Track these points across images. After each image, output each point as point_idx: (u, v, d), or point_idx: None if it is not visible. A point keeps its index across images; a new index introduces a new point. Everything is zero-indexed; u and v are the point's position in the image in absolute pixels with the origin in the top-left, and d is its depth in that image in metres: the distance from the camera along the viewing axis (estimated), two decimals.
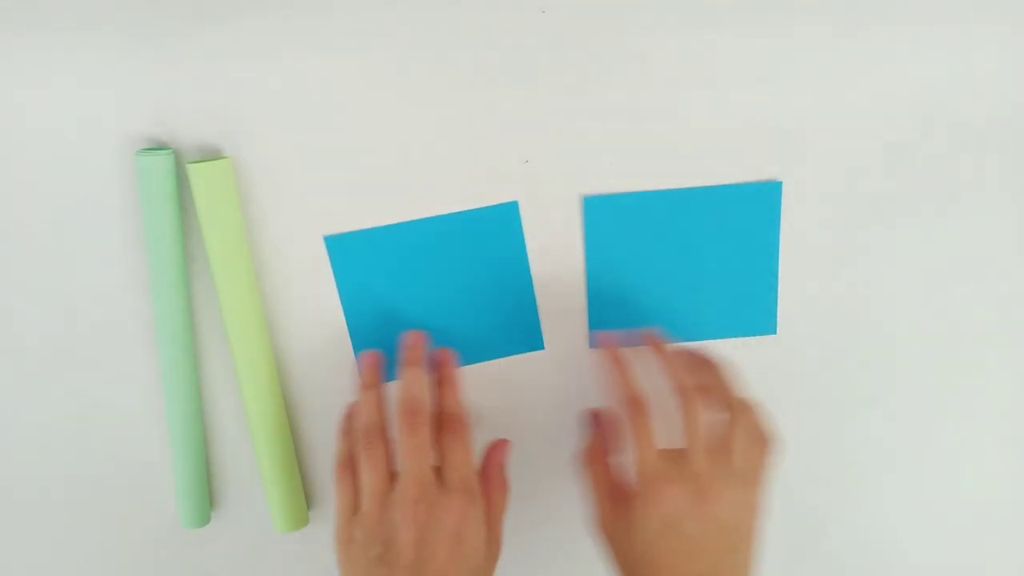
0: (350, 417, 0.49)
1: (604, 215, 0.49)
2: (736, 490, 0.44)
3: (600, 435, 0.49)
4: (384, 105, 0.48)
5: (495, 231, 0.50)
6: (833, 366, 0.53)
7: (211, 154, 0.48)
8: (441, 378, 0.49)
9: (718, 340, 0.52)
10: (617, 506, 0.46)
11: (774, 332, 0.52)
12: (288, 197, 0.49)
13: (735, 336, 0.52)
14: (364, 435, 0.46)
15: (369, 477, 0.45)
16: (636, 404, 0.46)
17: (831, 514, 0.56)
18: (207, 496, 0.53)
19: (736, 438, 0.45)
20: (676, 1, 0.47)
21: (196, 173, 0.46)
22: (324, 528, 0.52)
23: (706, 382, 0.47)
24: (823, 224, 0.51)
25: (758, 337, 0.52)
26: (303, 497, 0.52)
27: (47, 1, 0.46)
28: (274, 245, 0.50)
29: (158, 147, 0.48)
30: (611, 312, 0.51)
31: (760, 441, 0.46)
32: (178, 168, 0.47)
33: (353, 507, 0.46)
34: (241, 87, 0.47)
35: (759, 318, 0.51)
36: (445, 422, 0.47)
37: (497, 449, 0.50)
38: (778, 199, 0.49)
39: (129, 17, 0.46)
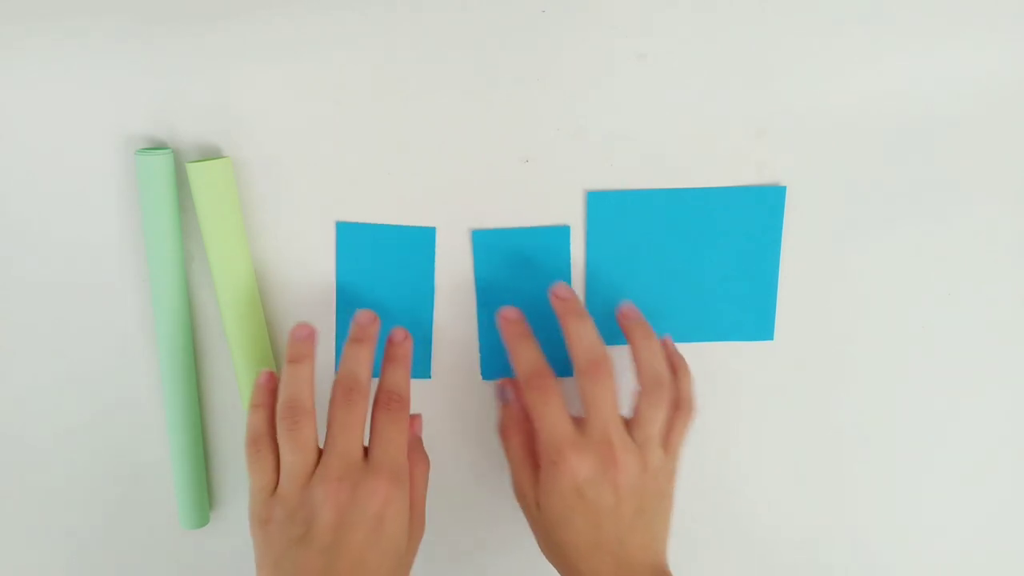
0: (265, 390, 0.46)
1: (607, 211, 0.49)
2: (643, 455, 0.44)
3: (516, 406, 0.49)
4: (384, 105, 0.48)
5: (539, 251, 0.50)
6: (829, 374, 0.53)
7: (211, 154, 0.48)
8: (390, 356, 0.48)
9: (714, 343, 0.52)
10: (532, 474, 0.46)
11: (771, 338, 0.52)
12: (288, 197, 0.49)
13: (731, 340, 0.52)
14: (288, 412, 0.44)
15: (292, 458, 0.43)
16: (534, 376, 0.45)
17: (825, 521, 0.55)
18: (207, 496, 0.53)
19: (641, 403, 0.45)
20: (676, 1, 0.47)
21: (196, 172, 0.46)
22: None
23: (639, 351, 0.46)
24: (824, 230, 0.50)
25: (754, 342, 0.52)
26: None
27: (47, 1, 0.46)
28: (274, 245, 0.50)
29: (158, 147, 0.48)
30: (608, 307, 0.50)
31: (673, 406, 0.47)
32: (178, 168, 0.47)
33: (270, 486, 0.44)
34: (241, 87, 0.47)
35: (756, 323, 0.51)
36: (383, 399, 0.45)
37: (411, 423, 0.48)
38: (781, 204, 0.49)
39: (129, 17, 0.46)
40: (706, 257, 0.50)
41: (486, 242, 0.50)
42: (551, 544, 0.45)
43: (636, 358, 0.46)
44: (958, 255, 0.51)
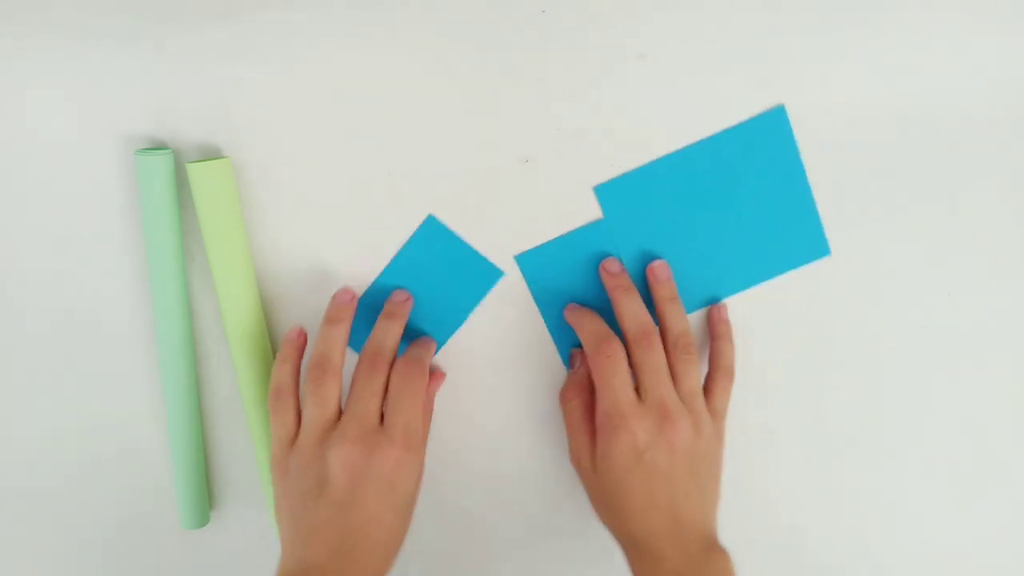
0: (294, 346, 0.48)
1: (619, 198, 0.49)
2: (694, 418, 0.46)
3: (579, 373, 0.50)
4: (384, 105, 0.48)
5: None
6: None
7: (211, 154, 0.48)
8: (416, 343, 0.50)
9: (775, 279, 0.51)
10: (589, 439, 0.47)
11: (828, 253, 0.51)
12: (288, 197, 0.49)
13: (790, 269, 0.51)
14: (317, 367, 0.46)
15: (315, 411, 0.45)
16: (597, 344, 0.47)
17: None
18: (207, 496, 0.53)
19: (672, 360, 0.47)
20: (676, 1, 0.47)
21: (196, 173, 0.46)
22: None
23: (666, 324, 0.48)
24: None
25: (814, 263, 0.51)
26: None
27: (47, 1, 0.46)
28: (274, 245, 0.50)
29: (158, 147, 0.48)
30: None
31: (714, 371, 0.49)
32: (178, 168, 0.47)
33: (290, 437, 0.46)
34: (241, 87, 0.47)
35: (808, 244, 0.50)
36: (403, 364, 0.47)
37: (432, 379, 0.50)
38: (786, 122, 0.49)
39: (129, 17, 0.46)
40: (734, 203, 0.49)
41: (531, 261, 0.50)
42: (607, 506, 0.47)
43: (660, 319, 0.48)
44: (959, 255, 0.51)
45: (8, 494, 0.53)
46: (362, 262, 0.50)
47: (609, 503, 0.47)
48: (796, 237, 0.50)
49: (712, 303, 0.51)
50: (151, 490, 0.53)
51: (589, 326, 0.48)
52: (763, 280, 0.51)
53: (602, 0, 0.47)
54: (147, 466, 0.53)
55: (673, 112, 0.48)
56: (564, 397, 0.50)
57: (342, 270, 0.50)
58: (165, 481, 0.53)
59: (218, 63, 0.47)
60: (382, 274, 0.50)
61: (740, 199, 0.49)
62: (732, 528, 0.48)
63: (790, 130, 0.49)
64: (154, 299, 0.48)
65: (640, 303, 0.48)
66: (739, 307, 0.51)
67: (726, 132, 0.48)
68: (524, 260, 0.50)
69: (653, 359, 0.46)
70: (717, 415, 0.49)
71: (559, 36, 0.47)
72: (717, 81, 0.48)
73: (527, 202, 0.49)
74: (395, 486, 0.44)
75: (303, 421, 0.46)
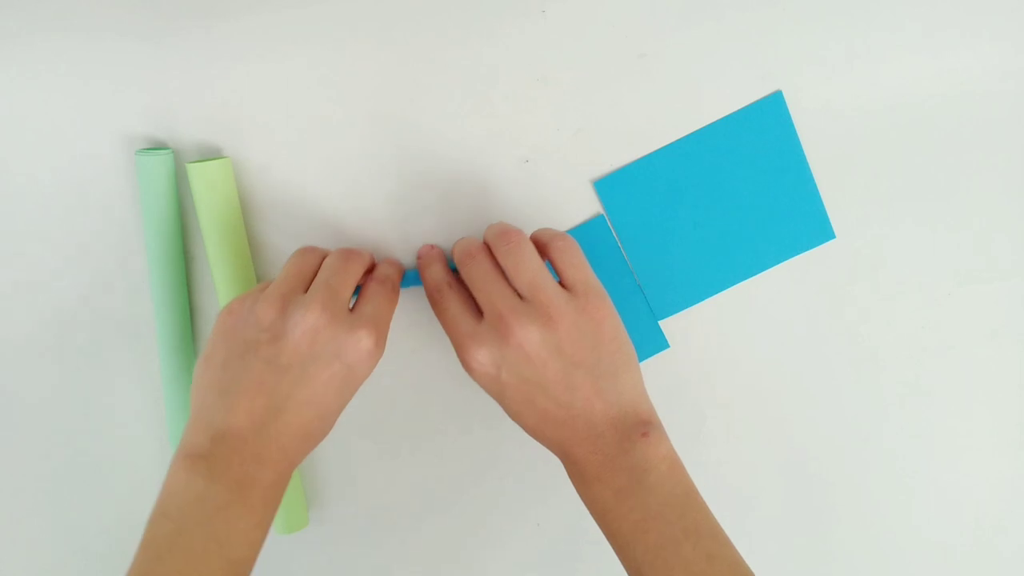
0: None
1: (619, 192, 0.49)
2: (542, 309, 0.41)
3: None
4: (384, 105, 0.48)
5: None
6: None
7: (211, 154, 0.48)
8: (386, 260, 0.47)
9: (782, 264, 0.51)
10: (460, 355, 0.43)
11: (832, 236, 0.51)
12: (288, 197, 0.49)
13: (796, 254, 0.50)
14: (353, 251, 0.44)
15: (300, 264, 0.43)
16: (430, 293, 0.45)
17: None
18: None
19: (498, 259, 0.43)
20: (676, 0, 0.47)
21: (195, 173, 0.46)
22: (324, 530, 0.52)
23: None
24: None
25: (821, 247, 0.51)
26: (303, 499, 0.52)
27: (47, 1, 0.46)
28: (274, 245, 0.50)
29: (158, 147, 0.48)
30: (664, 279, 0.50)
31: (541, 250, 0.44)
32: (178, 168, 0.47)
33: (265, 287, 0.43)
34: (241, 87, 0.47)
35: (813, 229, 0.50)
36: (379, 277, 0.45)
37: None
38: (784, 108, 0.49)
39: (129, 17, 0.46)
40: (735, 190, 0.49)
41: None
42: (523, 428, 0.44)
43: (484, 237, 0.45)
44: (961, 254, 0.51)
45: (8, 494, 0.53)
46: None
47: (521, 426, 0.43)
48: (800, 222, 0.50)
49: (720, 291, 0.51)
50: (151, 490, 0.53)
51: (426, 274, 0.46)
52: (769, 267, 0.51)
53: (602, 0, 0.47)
54: (147, 466, 0.52)
55: (673, 111, 0.48)
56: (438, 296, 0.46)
57: None
58: None
59: (218, 63, 0.47)
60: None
61: (741, 186, 0.49)
62: (731, 525, 0.48)
63: (788, 115, 0.49)
64: (154, 299, 0.48)
65: (468, 241, 0.45)
66: (739, 301, 0.51)
67: (725, 119, 0.49)
68: None
69: (474, 271, 0.43)
70: (575, 287, 0.42)
71: (559, 36, 0.47)
72: (717, 79, 0.48)
73: (527, 202, 0.49)
74: (350, 378, 0.41)
75: (289, 263, 0.43)
